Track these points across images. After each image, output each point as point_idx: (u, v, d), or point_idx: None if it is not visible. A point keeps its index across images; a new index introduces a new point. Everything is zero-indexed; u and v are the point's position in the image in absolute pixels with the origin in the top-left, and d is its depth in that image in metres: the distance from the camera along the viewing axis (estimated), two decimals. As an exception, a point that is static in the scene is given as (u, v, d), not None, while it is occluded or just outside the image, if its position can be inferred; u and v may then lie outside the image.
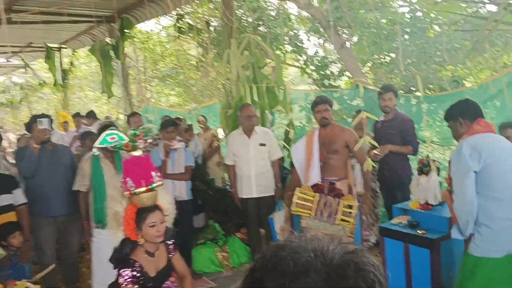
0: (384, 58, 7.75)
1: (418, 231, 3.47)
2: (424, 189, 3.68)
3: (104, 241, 3.83)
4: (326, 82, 7.07)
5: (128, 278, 2.46)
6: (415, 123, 4.58)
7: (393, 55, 7.68)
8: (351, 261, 0.54)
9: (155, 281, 2.59)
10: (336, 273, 0.53)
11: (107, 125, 4.23)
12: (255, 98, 4.86)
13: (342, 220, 3.70)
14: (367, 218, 4.92)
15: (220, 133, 7.21)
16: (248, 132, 4.50)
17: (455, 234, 2.57)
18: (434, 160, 3.72)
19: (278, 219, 4.47)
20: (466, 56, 6.66)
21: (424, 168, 3.70)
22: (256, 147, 4.47)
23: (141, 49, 10.45)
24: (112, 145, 2.77)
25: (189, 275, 2.87)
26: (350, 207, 3.73)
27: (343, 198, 3.80)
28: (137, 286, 2.50)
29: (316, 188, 3.86)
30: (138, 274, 2.49)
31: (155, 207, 2.62)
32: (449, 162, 2.71)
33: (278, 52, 7.04)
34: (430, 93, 6.52)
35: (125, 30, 6.01)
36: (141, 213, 2.57)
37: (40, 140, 3.94)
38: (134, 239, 2.57)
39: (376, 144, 4.01)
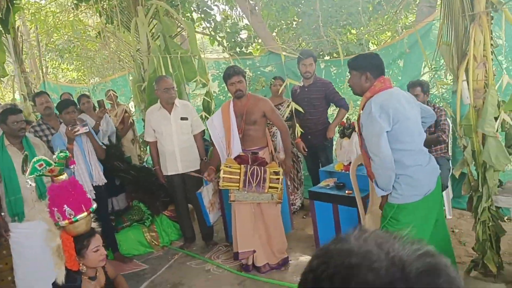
0: (291, 24, 7.82)
1: (346, 191, 3.62)
2: (346, 151, 3.83)
3: (23, 235, 3.54)
4: (237, 49, 6.97)
5: None
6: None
7: (299, 19, 7.77)
8: (431, 266, 0.49)
9: None
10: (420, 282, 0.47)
11: (10, 109, 3.80)
12: (170, 69, 4.62)
13: (271, 187, 3.74)
14: (291, 183, 5.04)
15: (131, 108, 6.84)
16: (168, 106, 4.30)
17: (379, 192, 2.67)
18: (353, 122, 3.85)
19: (206, 193, 4.39)
20: (369, 19, 6.95)
21: (346, 131, 3.83)
22: (178, 122, 4.30)
23: (32, 21, 9.41)
24: (41, 173, 2.51)
25: (119, 274, 2.84)
26: (276, 173, 3.77)
27: (268, 166, 3.82)
28: None
29: (239, 159, 3.83)
30: None
31: (93, 231, 2.52)
32: (358, 124, 2.76)
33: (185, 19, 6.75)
34: (337, 56, 6.73)
35: (14, 1, 5.33)
36: (81, 240, 2.44)
37: None
38: (75, 269, 2.44)
39: (301, 109, 4.05)
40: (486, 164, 2.81)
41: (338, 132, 4.00)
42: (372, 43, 7.65)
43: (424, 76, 4.97)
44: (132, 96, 6.49)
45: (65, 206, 2.37)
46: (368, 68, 2.72)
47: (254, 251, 3.92)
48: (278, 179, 3.76)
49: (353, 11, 6.77)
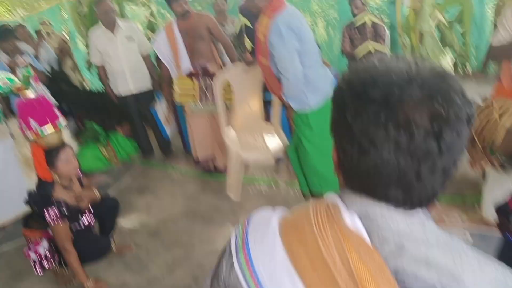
0: None
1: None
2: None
3: None
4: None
5: (54, 216, 2.53)
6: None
7: None
8: (440, 72, 0.63)
9: (77, 209, 2.71)
10: (435, 82, 0.61)
11: None
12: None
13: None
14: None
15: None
16: (111, 27, 4.27)
17: (294, 105, 2.91)
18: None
19: (161, 109, 4.54)
20: None
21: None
22: (124, 42, 4.31)
23: None
24: (4, 91, 2.54)
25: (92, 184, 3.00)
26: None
27: (218, 77, 4.02)
28: (66, 220, 2.59)
29: (191, 75, 3.99)
30: (64, 209, 2.57)
31: (64, 144, 2.63)
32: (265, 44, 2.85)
33: None
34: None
35: None
36: (52, 153, 2.57)
37: None
38: (48, 179, 2.58)
39: (250, 25, 4.20)
40: (423, 57, 3.23)
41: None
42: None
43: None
44: (63, 25, 6.29)
45: (31, 119, 2.48)
46: None
47: (213, 156, 4.22)
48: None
49: None
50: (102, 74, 4.50)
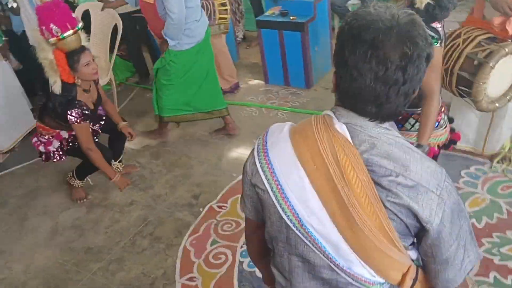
0: None
1: (290, 17, 4.01)
2: (289, -20, 4.10)
3: None
4: None
5: (79, 116, 2.74)
6: None
7: None
8: (414, 20, 0.88)
9: (94, 112, 2.93)
10: (408, 30, 0.87)
11: None
12: None
13: (220, 18, 4.04)
14: (233, 16, 5.29)
15: None
16: None
17: (170, 42, 3.24)
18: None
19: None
20: None
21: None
22: None
23: None
24: None
25: (108, 99, 3.22)
26: (223, 5, 4.05)
27: None
28: (88, 120, 2.82)
29: None
30: (86, 111, 2.78)
31: (84, 47, 2.72)
32: None
33: None
34: None
35: None
36: (72, 56, 2.66)
37: None
38: (71, 82, 2.73)
39: None
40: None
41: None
42: None
43: None
44: None
45: (51, 24, 2.54)
46: None
47: (208, 79, 4.38)
48: (226, 10, 4.06)
49: None
50: None
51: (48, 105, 2.86)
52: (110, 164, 3.17)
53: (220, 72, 4.39)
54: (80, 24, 2.67)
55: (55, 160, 3.02)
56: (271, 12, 4.19)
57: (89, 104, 2.85)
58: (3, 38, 4.06)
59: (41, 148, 2.99)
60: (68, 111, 2.72)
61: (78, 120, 2.74)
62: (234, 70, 4.48)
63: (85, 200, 3.27)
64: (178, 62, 3.37)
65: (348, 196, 0.90)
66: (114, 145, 3.33)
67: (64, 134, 2.98)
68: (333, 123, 0.95)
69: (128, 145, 3.78)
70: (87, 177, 3.28)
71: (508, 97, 2.57)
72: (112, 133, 3.27)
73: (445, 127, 2.17)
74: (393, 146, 0.93)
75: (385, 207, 0.91)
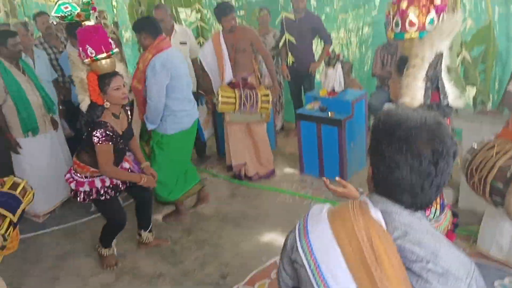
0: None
1: (329, 113, 4.25)
2: (331, 79, 4.40)
3: (36, 148, 3.93)
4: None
5: (102, 137, 2.82)
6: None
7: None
8: (439, 121, 1.03)
9: (123, 138, 3.01)
10: (435, 129, 1.02)
11: (7, 31, 3.93)
12: (168, -5, 4.92)
13: (262, 107, 4.33)
14: (273, 107, 5.61)
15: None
16: (168, 32, 4.65)
17: (149, 126, 3.60)
18: (339, 54, 4.41)
19: (202, 113, 4.92)
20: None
21: (331, 61, 4.39)
22: (178, 46, 4.68)
23: None
24: (65, 14, 2.77)
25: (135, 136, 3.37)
26: (266, 95, 4.36)
27: (258, 89, 4.39)
28: (110, 143, 2.87)
29: (232, 85, 4.36)
30: (110, 133, 2.85)
31: (116, 72, 2.87)
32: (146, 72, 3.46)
33: None
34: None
35: None
36: (104, 79, 2.80)
37: None
38: (100, 103, 2.85)
39: (293, 40, 4.52)
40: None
41: (324, 61, 4.54)
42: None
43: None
44: (113, 18, 6.73)
45: (87, 45, 2.74)
46: (142, 29, 3.47)
47: (245, 163, 4.58)
48: (268, 100, 4.36)
49: None
50: None
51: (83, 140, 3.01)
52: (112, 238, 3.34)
53: (258, 158, 4.61)
54: (115, 50, 2.85)
55: (80, 200, 3.05)
56: (311, 107, 4.45)
57: (118, 129, 2.93)
58: (60, 107, 4.41)
59: (72, 185, 3.05)
60: (93, 132, 2.81)
61: (101, 141, 2.81)
62: (271, 157, 4.68)
63: (115, 267, 3.35)
64: (164, 145, 3.65)
65: (381, 279, 0.98)
66: (141, 212, 3.43)
67: (98, 184, 3.04)
68: (369, 209, 1.07)
69: (161, 219, 3.92)
70: (113, 245, 3.37)
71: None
72: (138, 197, 3.38)
73: (443, 213, 2.33)
74: (424, 234, 1.03)
75: None
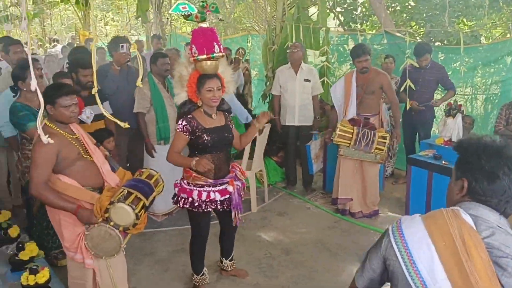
0: (406, 7, 8.19)
1: (442, 161, 4.22)
2: (449, 128, 4.39)
3: (163, 156, 4.47)
4: (351, 25, 7.52)
5: (182, 127, 2.97)
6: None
7: (414, 3, 8.13)
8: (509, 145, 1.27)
9: (212, 132, 3.01)
10: None
11: (160, 53, 4.64)
12: (301, 37, 5.36)
13: (377, 148, 4.42)
14: (387, 151, 5.66)
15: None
16: (296, 68, 5.06)
17: None
18: (460, 105, 4.40)
19: (314, 147, 5.18)
20: (484, 14, 7.17)
21: (452, 111, 4.39)
22: (302, 82, 5.06)
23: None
24: (183, 13, 2.93)
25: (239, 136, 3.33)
26: (384, 138, 4.44)
27: (377, 130, 4.50)
28: (187, 135, 2.97)
29: (353, 122, 4.54)
30: (191, 128, 2.97)
31: (214, 75, 2.96)
32: None
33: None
34: (447, 44, 7.07)
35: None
36: (202, 79, 2.93)
37: (121, 63, 4.45)
38: (194, 101, 3.00)
39: (413, 87, 4.61)
40: None
41: (444, 111, 4.54)
42: (484, 36, 7.84)
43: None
44: (248, 55, 7.41)
45: (193, 45, 2.89)
46: None
47: (351, 199, 4.68)
48: (385, 142, 4.43)
49: (470, 4, 7.03)
50: (276, 103, 5.26)
51: None
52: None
53: (364, 197, 4.69)
54: (219, 54, 2.93)
55: (179, 205, 3.13)
56: (425, 153, 4.45)
57: (205, 124, 3.01)
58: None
59: (175, 190, 3.15)
60: (179, 119, 2.99)
61: (179, 129, 2.96)
62: (378, 199, 4.72)
63: None
64: None
65: (470, 269, 1.13)
66: (224, 239, 3.48)
67: (194, 195, 3.04)
68: (460, 214, 1.26)
69: (265, 237, 4.18)
70: (205, 272, 3.39)
71: None
72: (223, 223, 3.39)
73: None
74: (509, 236, 1.21)
75: (501, 284, 1.12)
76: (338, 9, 8.01)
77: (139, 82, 2.76)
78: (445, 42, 7.11)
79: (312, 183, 5.50)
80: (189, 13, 2.94)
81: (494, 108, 5.94)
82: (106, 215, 2.64)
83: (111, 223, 2.63)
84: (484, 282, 1.11)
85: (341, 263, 3.77)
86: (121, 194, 2.65)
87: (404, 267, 1.23)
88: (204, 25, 2.94)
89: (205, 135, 2.98)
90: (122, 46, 4.40)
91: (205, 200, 3.04)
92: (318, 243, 4.12)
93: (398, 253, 1.25)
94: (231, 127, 3.18)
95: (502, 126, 4.92)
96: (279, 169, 5.78)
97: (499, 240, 1.19)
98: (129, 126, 2.71)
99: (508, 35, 6.47)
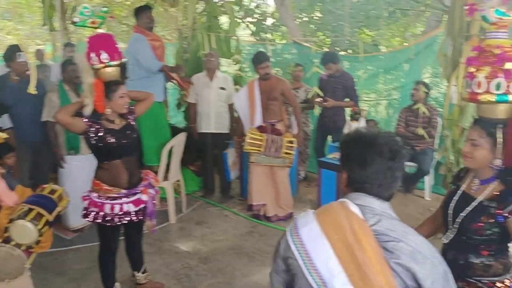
0: (313, 18, 8.60)
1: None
2: (354, 132, 4.66)
3: (76, 167, 4.29)
4: (262, 34, 7.74)
5: (87, 119, 2.84)
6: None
7: (320, 15, 8.57)
8: (391, 136, 1.38)
9: (116, 133, 2.90)
10: (389, 136, 1.37)
11: (69, 60, 4.43)
12: (213, 46, 5.41)
13: (286, 153, 4.60)
14: (300, 156, 5.87)
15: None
16: (210, 74, 5.09)
17: None
18: (363, 109, 4.70)
19: (232, 155, 5.23)
20: (383, 24, 7.76)
21: (355, 115, 4.68)
22: (217, 90, 5.10)
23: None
24: (86, 17, 2.82)
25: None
26: (291, 142, 4.63)
27: (284, 135, 4.68)
28: (89, 125, 2.83)
29: (261, 129, 4.68)
30: (95, 126, 2.83)
31: (122, 81, 2.90)
32: None
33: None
34: (351, 53, 7.53)
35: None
36: (110, 86, 2.82)
37: (20, 72, 4.18)
38: (101, 111, 2.85)
39: (321, 94, 4.84)
40: (460, 151, 3.66)
41: (349, 116, 4.83)
42: (383, 45, 8.45)
43: (424, 80, 5.80)
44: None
45: (102, 51, 2.79)
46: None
47: (265, 204, 4.79)
48: (292, 147, 4.63)
49: (370, 15, 7.56)
50: (193, 111, 5.25)
51: None
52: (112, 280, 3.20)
53: (278, 201, 4.82)
54: (116, 62, 2.86)
55: (89, 220, 2.98)
56: (333, 156, 4.69)
57: (109, 127, 2.90)
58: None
59: (85, 203, 2.97)
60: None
61: (82, 117, 2.82)
62: (291, 201, 4.88)
63: None
64: None
65: (363, 257, 1.20)
66: (131, 249, 3.36)
67: (107, 209, 2.91)
68: (348, 206, 1.32)
69: (183, 247, 4.13)
70: (115, 286, 3.25)
71: None
72: (129, 234, 3.29)
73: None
74: (394, 221, 1.32)
75: (391, 268, 1.20)
76: (250, 19, 8.20)
77: (31, 89, 2.62)
78: (349, 51, 7.55)
79: (230, 190, 5.54)
80: (87, 17, 2.83)
81: (395, 112, 6.41)
82: (6, 234, 2.48)
83: (12, 243, 2.47)
84: (375, 269, 1.18)
85: (259, 267, 3.83)
86: (21, 211, 2.51)
87: (303, 266, 1.27)
88: (101, 31, 2.87)
89: (108, 135, 2.86)
90: (19, 55, 4.15)
91: (118, 213, 2.93)
92: (236, 249, 4.16)
93: (296, 252, 1.29)
94: (134, 125, 3.05)
95: (402, 128, 5.33)
96: (196, 178, 5.74)
97: (385, 225, 1.27)
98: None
99: (405, 44, 7.03)
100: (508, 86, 1.87)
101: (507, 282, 1.88)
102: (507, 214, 1.77)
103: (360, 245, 1.21)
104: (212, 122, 5.16)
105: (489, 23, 2.06)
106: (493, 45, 2.01)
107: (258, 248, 4.17)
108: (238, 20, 8.19)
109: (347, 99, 5.41)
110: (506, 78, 1.89)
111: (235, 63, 5.87)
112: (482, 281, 1.87)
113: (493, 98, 1.92)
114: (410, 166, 5.25)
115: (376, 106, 6.95)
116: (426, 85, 5.07)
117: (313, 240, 1.27)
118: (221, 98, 5.13)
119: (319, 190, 4.75)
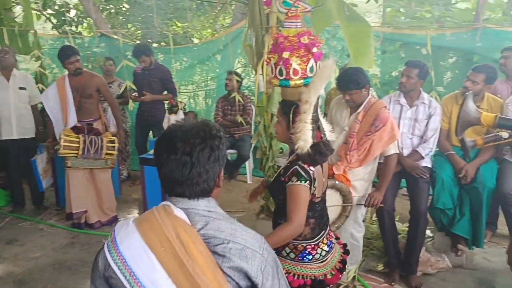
0: (121, 9, 8.24)
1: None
2: (173, 125, 4.64)
3: None
4: (66, 27, 7.09)
5: None
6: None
7: (127, 6, 8.27)
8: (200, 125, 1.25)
9: None
10: (190, 128, 1.23)
11: None
12: (6, 41, 4.75)
13: (107, 154, 4.35)
14: (119, 155, 5.61)
15: None
16: (5, 73, 4.47)
17: None
18: (181, 101, 4.71)
19: (41, 161, 4.70)
20: (192, 16, 7.86)
21: (173, 108, 4.66)
22: (16, 90, 4.51)
23: None
24: None
25: None
26: (112, 142, 4.40)
27: (104, 135, 4.42)
28: None
29: (76, 129, 4.33)
30: None
31: None
32: None
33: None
34: (165, 45, 7.46)
35: None
36: None
37: None
38: None
39: (135, 88, 4.66)
40: (272, 135, 3.95)
41: (167, 109, 4.77)
42: (195, 37, 8.59)
43: (237, 69, 6.11)
44: None
45: None
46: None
47: (86, 211, 4.45)
48: (114, 146, 4.40)
49: (179, 7, 7.58)
50: None
51: None
52: None
53: (101, 205, 4.52)
54: None
55: None
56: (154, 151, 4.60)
57: None
58: None
59: None
60: None
61: None
62: (114, 204, 4.64)
63: None
64: None
65: (193, 267, 1.11)
66: None
67: None
68: (172, 211, 1.19)
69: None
70: None
71: None
72: None
73: (321, 262, 2.21)
74: (221, 221, 1.22)
75: (224, 272, 1.14)
76: (49, 11, 7.45)
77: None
78: (162, 43, 7.47)
79: (44, 201, 5.01)
80: None
81: (213, 102, 6.62)
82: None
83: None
84: (208, 276, 1.11)
85: (83, 279, 3.55)
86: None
87: (127, 284, 1.13)
88: None
89: None
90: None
91: None
92: (56, 264, 3.78)
93: (118, 271, 1.14)
94: None
95: (220, 117, 5.52)
96: (2, 192, 5.04)
97: (213, 227, 1.18)
98: None
99: (216, 35, 7.26)
100: (287, 73, 2.11)
101: None
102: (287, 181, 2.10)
103: (189, 254, 1.11)
104: (14, 128, 4.57)
105: (282, 14, 2.26)
106: (284, 35, 2.19)
107: (80, 259, 3.86)
108: (36, 12, 7.41)
109: (165, 92, 5.35)
110: (284, 65, 2.13)
111: (35, 59, 5.26)
112: None
113: (277, 82, 2.19)
114: (231, 153, 5.49)
115: (195, 97, 7.07)
116: (238, 74, 5.33)
117: (136, 256, 1.13)
118: (22, 99, 4.57)
119: (144, 188, 4.60)
